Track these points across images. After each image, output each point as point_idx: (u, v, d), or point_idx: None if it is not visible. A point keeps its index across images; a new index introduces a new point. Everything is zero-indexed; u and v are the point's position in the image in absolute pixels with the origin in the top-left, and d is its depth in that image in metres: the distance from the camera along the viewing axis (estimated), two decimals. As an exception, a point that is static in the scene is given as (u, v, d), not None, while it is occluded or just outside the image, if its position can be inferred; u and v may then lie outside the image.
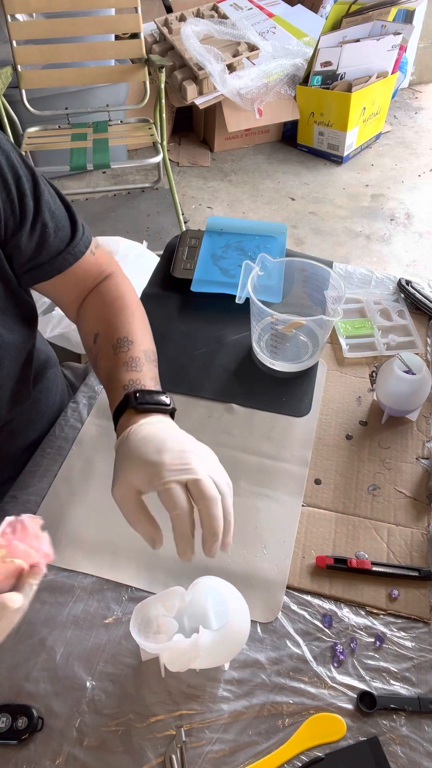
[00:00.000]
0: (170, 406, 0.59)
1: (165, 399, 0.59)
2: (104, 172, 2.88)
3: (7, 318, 0.66)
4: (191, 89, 2.66)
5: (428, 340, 0.92)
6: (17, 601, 0.42)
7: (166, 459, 0.51)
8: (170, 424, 0.57)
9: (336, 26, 2.80)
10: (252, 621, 0.60)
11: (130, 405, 0.57)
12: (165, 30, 2.71)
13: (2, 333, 0.65)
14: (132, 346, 0.64)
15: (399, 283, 1.00)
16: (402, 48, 2.88)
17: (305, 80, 2.86)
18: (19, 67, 2.03)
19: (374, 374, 0.86)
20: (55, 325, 1.45)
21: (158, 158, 2.15)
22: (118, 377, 0.61)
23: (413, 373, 0.74)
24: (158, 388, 0.62)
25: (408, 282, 0.99)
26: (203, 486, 0.50)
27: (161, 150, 2.17)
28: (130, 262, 1.73)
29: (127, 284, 0.72)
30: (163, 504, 0.50)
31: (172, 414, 0.60)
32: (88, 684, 0.56)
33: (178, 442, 0.54)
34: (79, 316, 0.73)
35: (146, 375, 0.62)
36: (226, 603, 0.52)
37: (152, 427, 0.55)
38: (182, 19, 2.75)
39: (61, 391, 0.88)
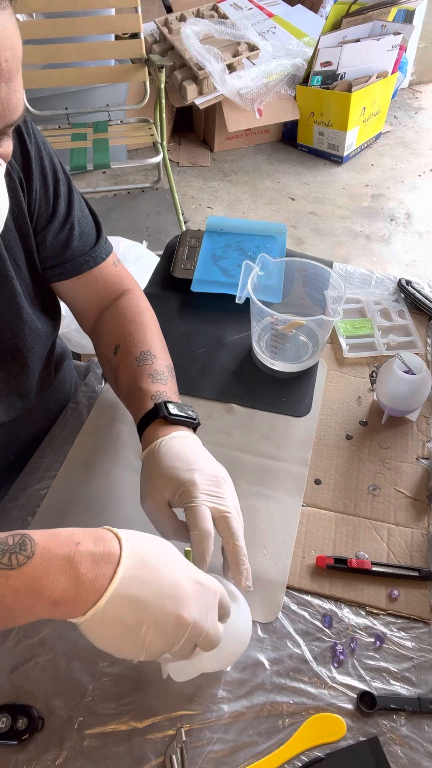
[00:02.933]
0: (197, 421, 0.62)
1: (193, 413, 0.62)
2: (104, 172, 2.88)
3: (37, 307, 0.69)
4: (191, 89, 2.66)
5: (428, 340, 0.92)
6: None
7: (197, 479, 0.54)
8: (197, 440, 0.60)
9: (336, 26, 2.80)
10: (252, 621, 0.60)
11: (161, 414, 0.60)
12: (165, 30, 2.70)
13: (35, 320, 0.69)
14: (155, 360, 0.67)
15: (399, 283, 1.00)
16: (402, 48, 2.88)
17: (305, 80, 2.86)
18: (19, 67, 2.03)
19: (374, 374, 0.86)
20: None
21: (158, 158, 2.15)
22: (145, 387, 0.63)
23: (413, 373, 0.74)
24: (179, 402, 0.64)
25: (408, 282, 0.99)
26: (232, 521, 0.54)
27: (161, 150, 2.17)
28: (130, 262, 1.73)
29: (145, 302, 0.75)
30: (188, 521, 0.53)
31: (195, 428, 0.63)
32: (88, 684, 0.56)
33: (209, 464, 0.57)
34: (97, 327, 0.74)
35: (171, 388, 0.65)
36: (228, 605, 0.52)
37: (182, 442, 0.58)
38: (182, 19, 2.75)
39: (75, 382, 0.91)
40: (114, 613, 0.43)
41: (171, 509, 0.56)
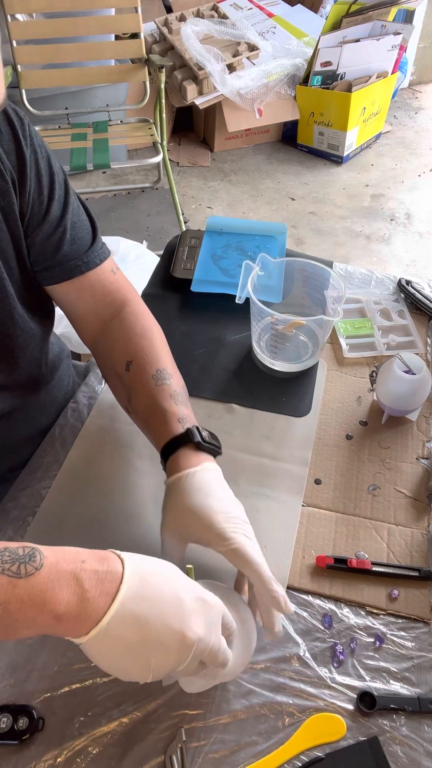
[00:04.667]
0: (221, 450, 0.63)
1: (218, 442, 0.63)
2: (104, 172, 2.88)
3: (29, 309, 0.69)
4: (191, 89, 2.66)
5: (428, 340, 0.92)
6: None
7: (230, 522, 0.54)
8: (221, 473, 0.60)
9: (336, 26, 2.80)
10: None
11: (195, 440, 0.60)
12: (165, 30, 2.70)
13: (27, 321, 0.68)
14: (172, 379, 0.66)
15: (399, 283, 1.00)
16: (402, 48, 2.88)
17: (305, 80, 2.86)
18: (19, 67, 2.03)
19: (374, 374, 0.86)
20: (56, 324, 1.45)
21: (158, 158, 2.15)
22: (169, 409, 0.63)
23: (413, 373, 0.74)
24: None
25: (408, 282, 0.99)
26: (266, 576, 0.53)
27: (161, 150, 2.17)
28: (130, 262, 1.73)
29: (149, 314, 0.74)
30: (234, 560, 0.53)
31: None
32: (88, 684, 0.56)
33: (236, 506, 0.57)
34: (102, 341, 0.73)
35: (191, 411, 0.65)
36: (235, 612, 0.52)
37: (212, 476, 0.58)
38: (182, 19, 2.75)
39: (73, 381, 0.91)
40: (117, 632, 0.43)
41: (185, 548, 0.57)
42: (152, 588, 0.45)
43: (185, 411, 0.64)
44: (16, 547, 0.44)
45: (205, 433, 0.61)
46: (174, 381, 0.66)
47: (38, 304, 0.71)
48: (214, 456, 0.62)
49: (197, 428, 0.61)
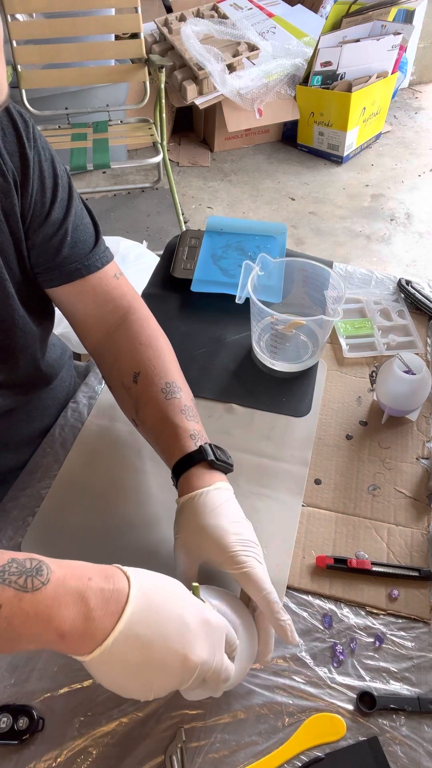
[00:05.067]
0: (233, 467, 0.63)
1: (230, 459, 0.63)
2: (104, 172, 2.88)
3: (30, 310, 0.69)
4: (191, 89, 2.66)
5: (428, 340, 0.92)
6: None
7: (242, 544, 0.54)
8: (233, 495, 0.60)
9: (336, 26, 2.80)
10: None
11: (207, 457, 0.60)
12: (165, 30, 2.71)
13: (28, 322, 0.68)
14: (182, 393, 0.66)
15: (399, 283, 1.00)
16: (402, 48, 2.88)
17: (305, 80, 2.86)
18: (19, 67, 2.03)
19: (374, 374, 0.86)
20: (56, 324, 1.45)
21: (158, 158, 2.15)
22: (181, 424, 0.63)
23: (413, 373, 0.74)
24: None
25: (408, 282, 0.99)
26: (275, 603, 0.53)
27: (161, 150, 2.17)
28: (130, 262, 1.73)
29: (154, 321, 0.73)
30: (245, 583, 0.53)
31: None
32: (88, 684, 0.56)
33: (248, 528, 0.57)
34: (106, 349, 0.72)
35: (202, 427, 0.65)
36: (236, 620, 0.52)
37: (225, 495, 0.58)
38: (182, 19, 2.75)
39: (74, 382, 0.91)
40: (120, 653, 0.43)
41: (198, 565, 0.56)
42: (157, 610, 0.45)
43: (196, 427, 0.63)
44: (23, 558, 0.43)
45: (218, 452, 0.61)
46: (184, 395, 0.66)
47: (39, 305, 0.71)
48: (226, 473, 0.62)
49: (210, 446, 0.61)
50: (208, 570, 0.57)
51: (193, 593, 0.50)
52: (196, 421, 0.64)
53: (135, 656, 0.43)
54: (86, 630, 0.42)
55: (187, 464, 0.60)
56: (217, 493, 0.58)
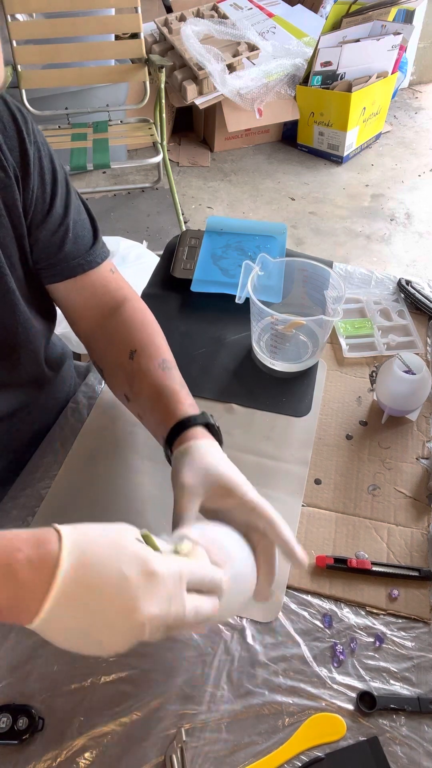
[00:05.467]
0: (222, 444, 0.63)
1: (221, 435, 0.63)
2: (104, 172, 2.88)
3: (31, 307, 0.69)
4: (191, 89, 2.66)
5: (428, 340, 0.92)
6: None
7: (247, 482, 0.56)
8: None
9: (336, 26, 2.80)
10: (252, 621, 0.60)
11: (210, 420, 0.61)
12: (165, 30, 2.71)
13: (29, 318, 0.69)
14: (176, 371, 0.67)
15: (399, 283, 1.00)
16: (402, 48, 2.88)
17: (305, 80, 2.86)
18: (19, 67, 2.03)
19: (374, 374, 0.86)
20: (56, 324, 1.45)
21: (158, 158, 2.15)
22: (180, 392, 0.64)
23: (413, 373, 0.74)
24: None
25: (408, 282, 0.99)
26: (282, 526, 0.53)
27: (161, 150, 2.17)
28: (130, 262, 1.73)
29: (148, 311, 0.74)
30: (254, 514, 0.53)
31: None
32: (88, 684, 0.56)
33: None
34: (101, 333, 0.72)
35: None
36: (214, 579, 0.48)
37: (221, 452, 0.58)
38: (182, 19, 2.75)
39: (74, 382, 0.91)
40: (59, 618, 0.41)
41: (200, 502, 0.55)
42: (92, 567, 0.42)
43: (191, 400, 0.64)
44: None
45: (216, 423, 0.62)
46: (178, 374, 0.67)
47: (40, 302, 0.71)
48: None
49: (212, 416, 0.62)
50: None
51: (146, 542, 0.46)
52: (191, 398, 0.65)
53: (76, 620, 0.41)
54: (19, 604, 0.41)
55: (188, 424, 0.60)
56: (215, 446, 0.58)
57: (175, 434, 0.60)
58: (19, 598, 0.41)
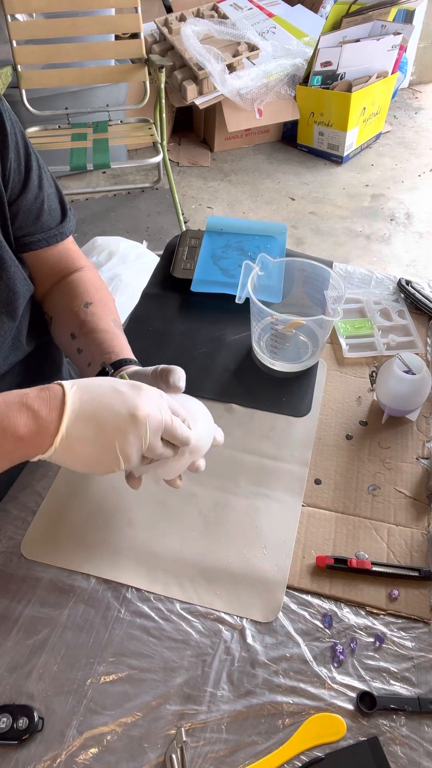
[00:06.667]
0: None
1: None
2: (104, 172, 2.88)
3: (19, 272, 0.71)
4: (191, 89, 2.66)
5: (428, 340, 0.92)
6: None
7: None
8: None
9: (336, 26, 2.80)
10: (252, 621, 0.60)
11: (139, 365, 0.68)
12: (165, 30, 2.71)
13: (19, 278, 0.70)
14: (122, 331, 0.74)
15: (399, 283, 1.00)
16: (402, 48, 2.88)
17: (305, 80, 2.86)
18: (19, 67, 2.03)
19: (374, 374, 0.86)
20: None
21: (158, 158, 2.15)
22: (127, 346, 0.71)
23: (413, 373, 0.74)
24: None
25: (408, 282, 0.99)
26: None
27: (161, 150, 2.17)
28: (130, 262, 1.73)
29: (103, 281, 0.80)
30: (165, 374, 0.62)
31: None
32: (88, 684, 0.56)
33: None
34: (57, 289, 0.77)
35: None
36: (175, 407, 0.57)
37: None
38: (182, 19, 2.75)
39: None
40: (77, 433, 0.50)
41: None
42: (93, 390, 0.52)
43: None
44: None
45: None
46: (124, 335, 0.72)
47: (22, 272, 0.73)
48: None
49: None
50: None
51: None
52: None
53: (90, 431, 0.50)
54: (39, 427, 0.49)
55: (122, 363, 0.66)
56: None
57: (121, 364, 0.67)
58: (38, 424, 0.49)
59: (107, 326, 0.71)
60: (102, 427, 0.50)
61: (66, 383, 0.52)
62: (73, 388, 0.51)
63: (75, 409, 0.50)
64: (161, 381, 0.61)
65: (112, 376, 0.65)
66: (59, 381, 0.53)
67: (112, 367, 0.66)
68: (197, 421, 0.59)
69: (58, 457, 0.51)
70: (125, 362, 0.67)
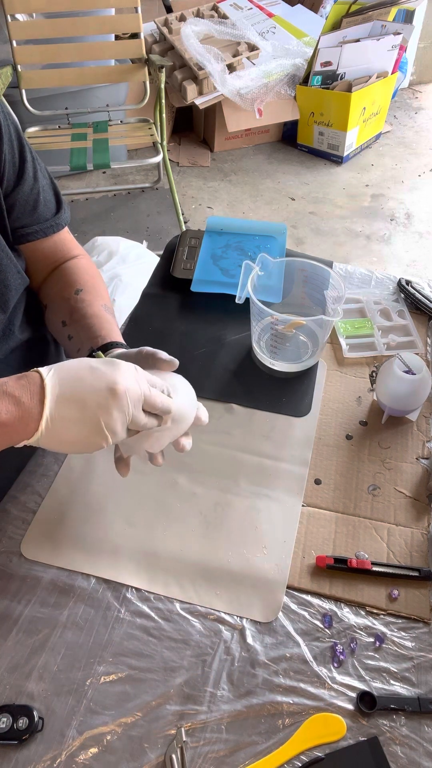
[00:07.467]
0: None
1: None
2: (104, 172, 2.88)
3: (12, 265, 0.72)
4: (191, 89, 2.66)
5: (428, 340, 0.92)
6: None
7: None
8: None
9: (336, 26, 2.80)
10: (252, 621, 0.60)
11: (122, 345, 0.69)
12: (165, 30, 2.71)
13: (12, 272, 0.71)
14: (113, 315, 0.74)
15: (399, 283, 1.00)
16: (402, 48, 2.88)
17: (305, 80, 2.86)
18: (19, 67, 2.03)
19: (374, 374, 0.86)
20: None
21: (158, 158, 2.15)
22: (117, 329, 0.71)
23: (413, 373, 0.74)
24: None
25: (408, 282, 0.99)
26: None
27: (161, 150, 2.17)
28: (130, 262, 1.73)
29: (96, 268, 0.81)
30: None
31: None
32: (88, 684, 0.56)
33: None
34: (50, 277, 0.78)
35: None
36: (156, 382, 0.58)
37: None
38: (182, 19, 2.75)
39: None
40: (61, 414, 0.51)
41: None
42: (70, 371, 0.52)
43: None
44: None
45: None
46: (115, 318, 0.73)
47: (17, 265, 0.73)
48: None
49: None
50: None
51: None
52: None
53: (74, 411, 0.51)
54: (23, 412, 0.50)
55: (111, 345, 0.67)
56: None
57: (109, 347, 0.68)
58: (20, 409, 0.50)
59: (97, 311, 0.72)
60: (85, 406, 0.51)
61: (43, 369, 0.53)
62: (51, 372, 0.52)
63: (55, 391, 0.51)
64: (146, 362, 0.62)
65: (91, 355, 0.66)
66: (35, 368, 0.53)
67: (101, 351, 0.66)
68: (177, 392, 0.59)
69: (45, 441, 0.52)
70: (113, 345, 0.67)
